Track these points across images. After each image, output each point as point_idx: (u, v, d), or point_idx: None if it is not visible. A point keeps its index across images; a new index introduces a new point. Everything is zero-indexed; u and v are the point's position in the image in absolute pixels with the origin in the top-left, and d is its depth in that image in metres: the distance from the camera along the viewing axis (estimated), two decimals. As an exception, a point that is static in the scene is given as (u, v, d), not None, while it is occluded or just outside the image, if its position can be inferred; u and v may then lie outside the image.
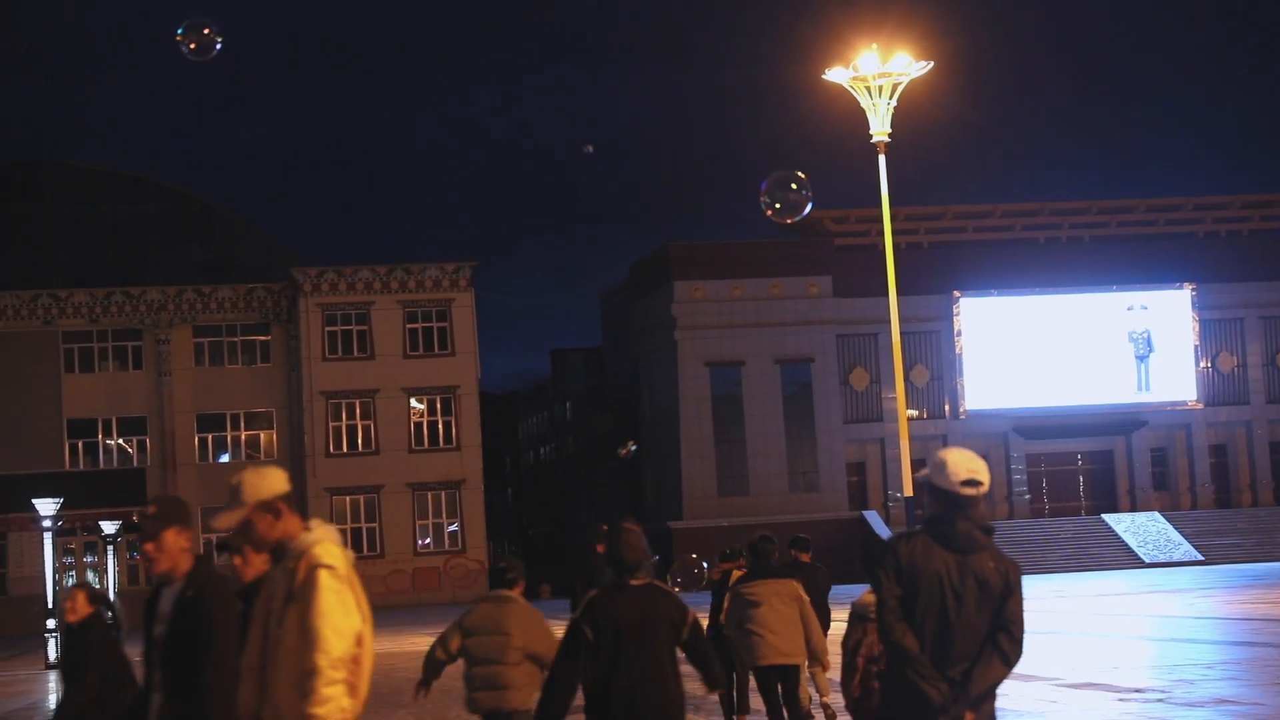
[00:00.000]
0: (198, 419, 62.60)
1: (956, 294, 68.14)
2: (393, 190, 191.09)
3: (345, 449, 62.33)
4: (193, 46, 19.37)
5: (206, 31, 19.48)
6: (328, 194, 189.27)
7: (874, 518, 64.86)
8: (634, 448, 45.30)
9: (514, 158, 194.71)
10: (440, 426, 63.19)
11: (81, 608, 10.15)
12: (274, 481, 6.17)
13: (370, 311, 62.79)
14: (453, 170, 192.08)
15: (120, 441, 62.36)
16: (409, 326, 63.13)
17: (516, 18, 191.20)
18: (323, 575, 5.83)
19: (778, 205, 20.06)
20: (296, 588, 5.86)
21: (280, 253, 64.60)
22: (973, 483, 6.25)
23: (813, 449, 66.65)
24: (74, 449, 61.78)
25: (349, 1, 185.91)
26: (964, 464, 6.27)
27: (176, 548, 6.79)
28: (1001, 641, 6.19)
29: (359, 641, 5.92)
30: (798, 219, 20.52)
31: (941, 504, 6.24)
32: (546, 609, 13.42)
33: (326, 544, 5.96)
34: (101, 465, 61.93)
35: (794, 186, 20.06)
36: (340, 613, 5.83)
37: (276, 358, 63.45)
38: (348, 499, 62.07)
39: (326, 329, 62.38)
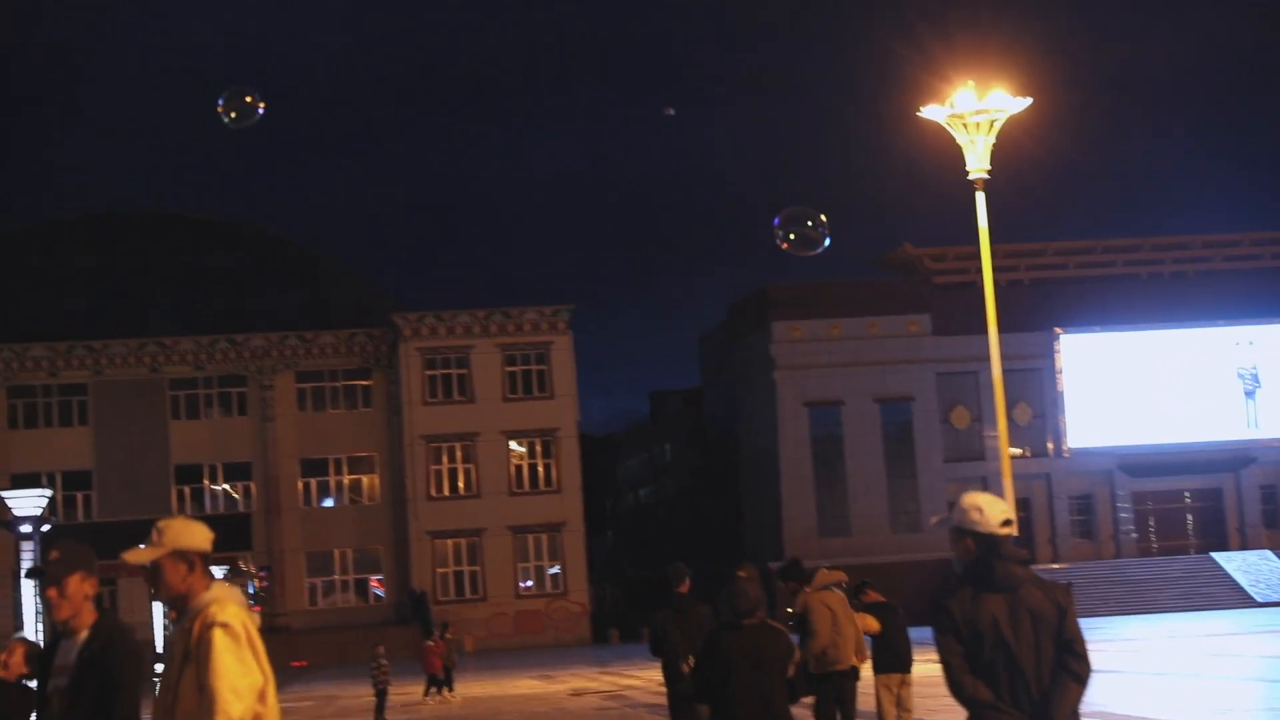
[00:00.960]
0: (301, 464, 63.23)
1: (1058, 331, 67.45)
2: (491, 234, 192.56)
3: (446, 492, 62.67)
4: (234, 115, 19.59)
5: (249, 99, 19.70)
6: (427, 238, 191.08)
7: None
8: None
9: (611, 199, 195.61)
10: (540, 469, 63.39)
11: (16, 665, 9.57)
12: (198, 535, 6.09)
13: (470, 355, 63.18)
14: (550, 212, 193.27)
15: (226, 487, 63.13)
16: (508, 369, 63.44)
17: (610, 58, 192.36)
18: (218, 634, 5.74)
19: (792, 237, 20.04)
20: (192, 647, 5.77)
21: (380, 298, 65.23)
22: (1008, 522, 6.43)
23: (914, 488, 66.13)
24: (181, 494, 62.62)
25: (445, 48, 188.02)
26: (998, 506, 6.45)
27: (80, 595, 6.51)
28: (1069, 663, 6.30)
29: (261, 698, 5.80)
30: (811, 255, 20.40)
31: (980, 546, 6.37)
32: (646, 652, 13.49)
33: (223, 602, 5.87)
34: (208, 510, 62.69)
35: (810, 223, 19.97)
36: (239, 672, 5.72)
37: (378, 402, 63.98)
38: (449, 542, 62.37)
39: (426, 373, 62.82)
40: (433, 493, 62.43)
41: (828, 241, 19.84)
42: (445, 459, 62.88)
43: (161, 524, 6.08)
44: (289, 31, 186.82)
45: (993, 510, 6.40)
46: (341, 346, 63.66)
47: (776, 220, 19.94)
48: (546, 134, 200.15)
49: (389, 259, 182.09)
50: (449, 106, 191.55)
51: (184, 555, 5.99)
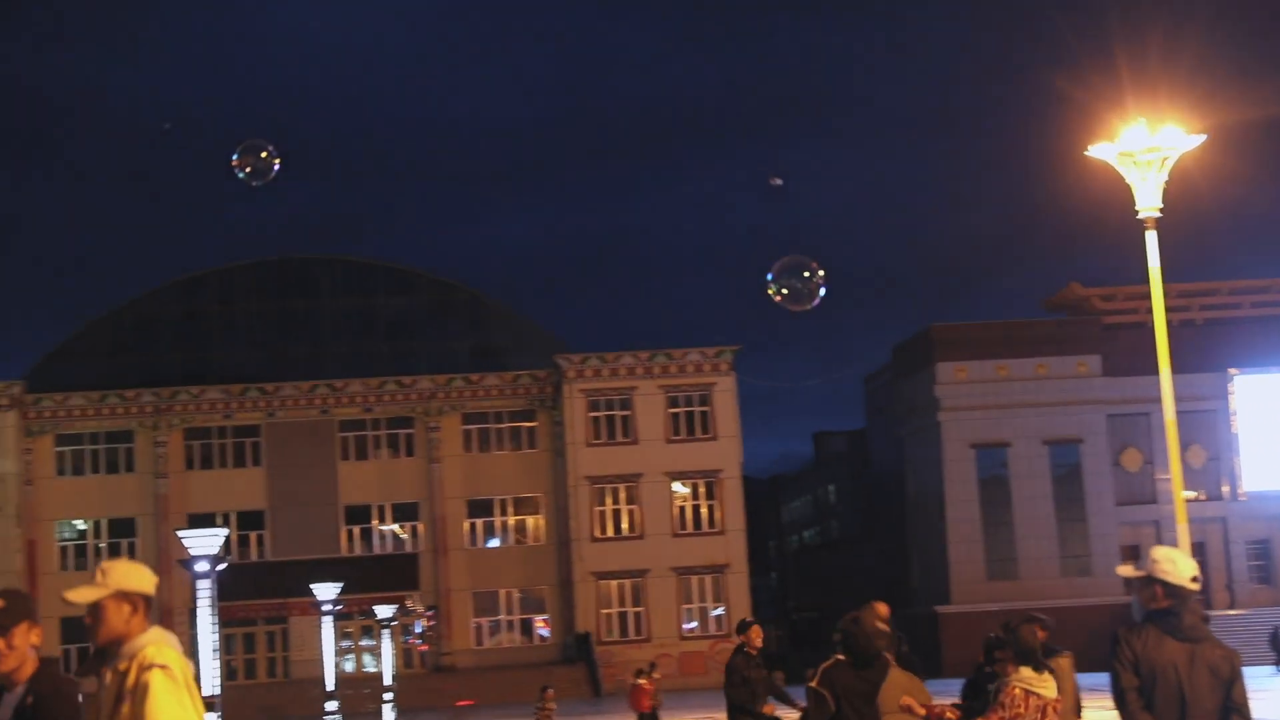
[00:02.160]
0: (467, 504, 63.90)
1: (1232, 372, 65.90)
2: (654, 275, 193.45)
3: (610, 533, 62.89)
4: (249, 170, 19.71)
5: (264, 154, 19.78)
6: (590, 280, 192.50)
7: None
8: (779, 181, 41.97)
9: (772, 239, 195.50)
10: (704, 510, 63.38)
11: None
12: (143, 577, 5.97)
13: (633, 397, 63.42)
14: (712, 253, 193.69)
15: (394, 527, 64.01)
16: (671, 411, 63.59)
17: (771, 97, 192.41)
18: (156, 675, 5.66)
19: (785, 292, 19.34)
20: (127, 689, 5.68)
21: (545, 340, 65.80)
22: (1196, 579, 6.90)
23: (1084, 532, 64.94)
24: (350, 534, 63.61)
25: (606, 94, 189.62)
26: (1188, 561, 6.93)
27: (26, 645, 6.27)
28: None
29: None
30: (804, 310, 19.66)
31: (1172, 597, 6.78)
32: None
33: (160, 645, 5.78)
34: (376, 550, 63.60)
35: (805, 274, 19.30)
36: (177, 715, 5.65)
37: (542, 443, 64.48)
38: (614, 583, 62.54)
39: (590, 414, 63.19)
40: (597, 534, 62.69)
41: (822, 292, 19.25)
42: (609, 500, 63.15)
43: (106, 565, 5.92)
44: (455, 78, 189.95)
45: (1184, 564, 6.87)
46: (507, 388, 64.30)
47: (770, 275, 19.39)
48: (712, 176, 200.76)
49: (554, 301, 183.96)
50: (616, 150, 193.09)
51: (128, 596, 5.86)
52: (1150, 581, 6.84)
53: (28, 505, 61.06)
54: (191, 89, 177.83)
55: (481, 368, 64.88)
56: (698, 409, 63.74)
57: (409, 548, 63.77)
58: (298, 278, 66.13)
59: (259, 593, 60.82)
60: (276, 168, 19.71)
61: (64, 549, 62.29)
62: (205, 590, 19.34)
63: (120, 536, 62.21)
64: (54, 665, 6.46)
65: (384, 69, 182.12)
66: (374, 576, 60.98)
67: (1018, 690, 8.22)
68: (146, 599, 5.92)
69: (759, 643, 16.01)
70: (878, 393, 76.30)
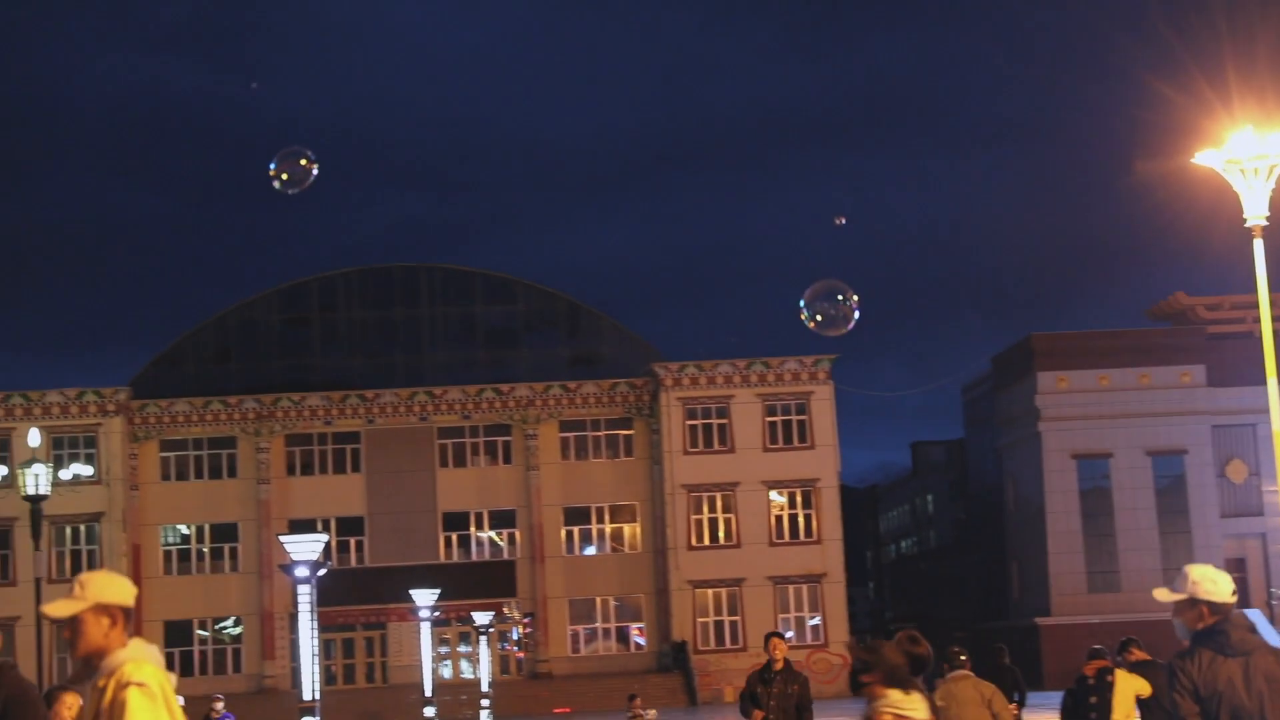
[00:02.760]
0: (564, 512, 64.08)
1: (1342, 381, 64.73)
2: (751, 283, 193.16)
3: (707, 542, 62.83)
4: (285, 177, 19.75)
5: (303, 162, 19.83)
6: (687, 288, 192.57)
7: (1257, 616, 61.67)
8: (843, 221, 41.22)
9: (871, 248, 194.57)
10: (801, 519, 63.14)
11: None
12: (122, 589, 5.88)
13: (730, 405, 63.34)
14: (810, 261, 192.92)
15: (491, 534, 64.31)
16: (768, 420, 63.43)
17: (867, 106, 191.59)
18: (133, 693, 5.59)
19: (819, 319, 19.22)
20: (104, 707, 5.63)
21: (642, 348, 65.87)
22: (1234, 592, 7.03)
23: (1188, 543, 63.98)
24: (448, 541, 63.98)
25: (704, 102, 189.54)
26: (1226, 578, 7.07)
27: None
28: None
29: None
30: (840, 334, 19.59)
31: (1217, 614, 6.87)
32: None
33: (139, 661, 5.71)
34: (474, 557, 63.93)
35: (839, 298, 19.16)
36: None
37: (639, 451, 64.55)
38: (709, 592, 62.47)
39: (687, 422, 63.17)
40: (693, 542, 62.65)
41: (856, 316, 19.14)
42: (706, 508, 63.08)
43: (84, 577, 5.87)
44: (555, 88, 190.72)
45: (1224, 582, 7.01)
46: (604, 396, 64.44)
47: (802, 301, 19.33)
48: (808, 185, 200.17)
49: (652, 309, 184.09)
50: (713, 159, 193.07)
51: (106, 609, 5.78)
52: (1194, 603, 6.91)
53: (133, 510, 61.99)
54: (300, 100, 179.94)
55: (579, 375, 65.07)
56: (795, 418, 63.53)
57: (506, 555, 64.05)
58: (399, 285, 66.65)
59: (358, 598, 61.35)
60: (314, 174, 19.88)
61: (168, 553, 63.18)
62: (306, 595, 19.53)
63: (222, 541, 63.02)
64: (15, 669, 6.44)
65: (485, 79, 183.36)
66: (471, 583, 61.29)
67: (887, 716, 7.42)
68: (126, 611, 5.83)
69: (778, 655, 15.96)
70: (976, 403, 75.66)
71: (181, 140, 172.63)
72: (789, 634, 62.32)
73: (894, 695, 7.32)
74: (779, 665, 15.99)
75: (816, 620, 62.47)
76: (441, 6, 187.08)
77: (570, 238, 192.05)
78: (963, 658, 13.39)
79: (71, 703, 9.28)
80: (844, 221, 46.10)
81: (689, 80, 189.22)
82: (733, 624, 62.33)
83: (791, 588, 62.64)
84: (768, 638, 16.37)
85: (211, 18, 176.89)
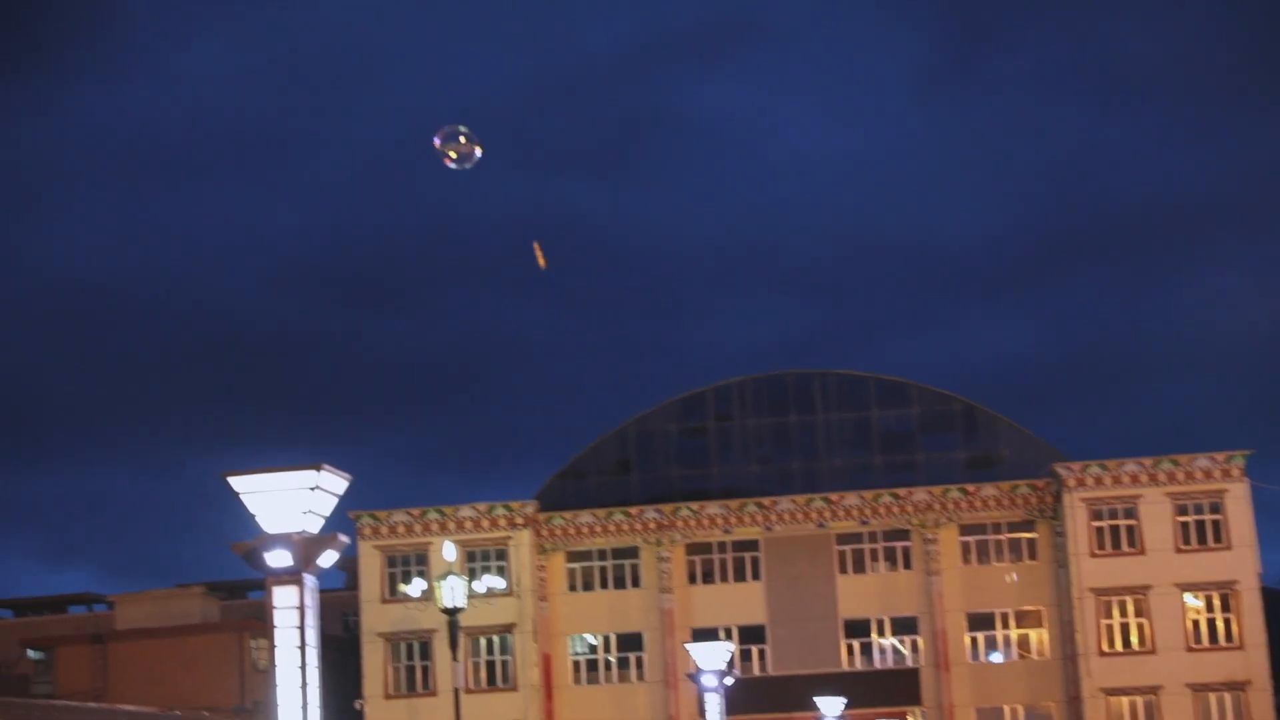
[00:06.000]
0: (967, 618, 62.86)
1: None
2: (1151, 379, 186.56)
3: (1119, 648, 60.57)
4: (453, 155, 19.84)
5: (463, 140, 19.93)
6: (1086, 385, 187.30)
7: None
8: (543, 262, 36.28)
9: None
10: (1219, 623, 60.31)
11: None
12: None
13: (1138, 505, 61.21)
14: (1214, 356, 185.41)
15: (894, 641, 63.55)
16: (1179, 519, 61.06)
17: (1274, 189, 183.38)
18: None
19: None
20: None
21: (1042, 448, 64.38)
22: None
23: None
24: (850, 649, 63.50)
25: (1092, 195, 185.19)
26: None
27: None
28: None
29: None
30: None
31: None
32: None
33: None
34: (876, 665, 63.24)
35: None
36: None
37: (1043, 554, 62.94)
38: (1124, 700, 60.12)
39: (1093, 524, 61.33)
40: (1104, 648, 60.49)
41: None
42: (1116, 613, 60.94)
43: None
44: (939, 190, 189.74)
45: None
46: (1004, 499, 63.19)
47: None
48: (1212, 277, 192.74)
49: (1049, 409, 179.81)
50: (1103, 253, 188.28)
51: None
52: None
53: (543, 620, 63.74)
54: (693, 211, 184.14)
55: (978, 478, 64.01)
56: (1208, 517, 60.98)
57: (910, 662, 63.14)
58: (793, 392, 67.04)
59: (762, 707, 61.39)
60: (478, 154, 20.26)
61: (576, 663, 64.62)
62: (714, 703, 19.68)
63: (628, 650, 64.12)
64: None
65: (872, 185, 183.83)
66: (875, 691, 60.64)
67: None
68: None
69: None
70: None
71: (577, 256, 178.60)
72: (1212, 745, 59.37)
73: None
74: None
75: (1241, 731, 59.31)
76: (826, 118, 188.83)
77: (962, 338, 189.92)
78: None
79: None
80: None
81: (1080, 172, 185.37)
82: (1150, 734, 59.76)
83: (1213, 696, 59.72)
84: None
85: (602, 136, 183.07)
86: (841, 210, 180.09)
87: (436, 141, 20.34)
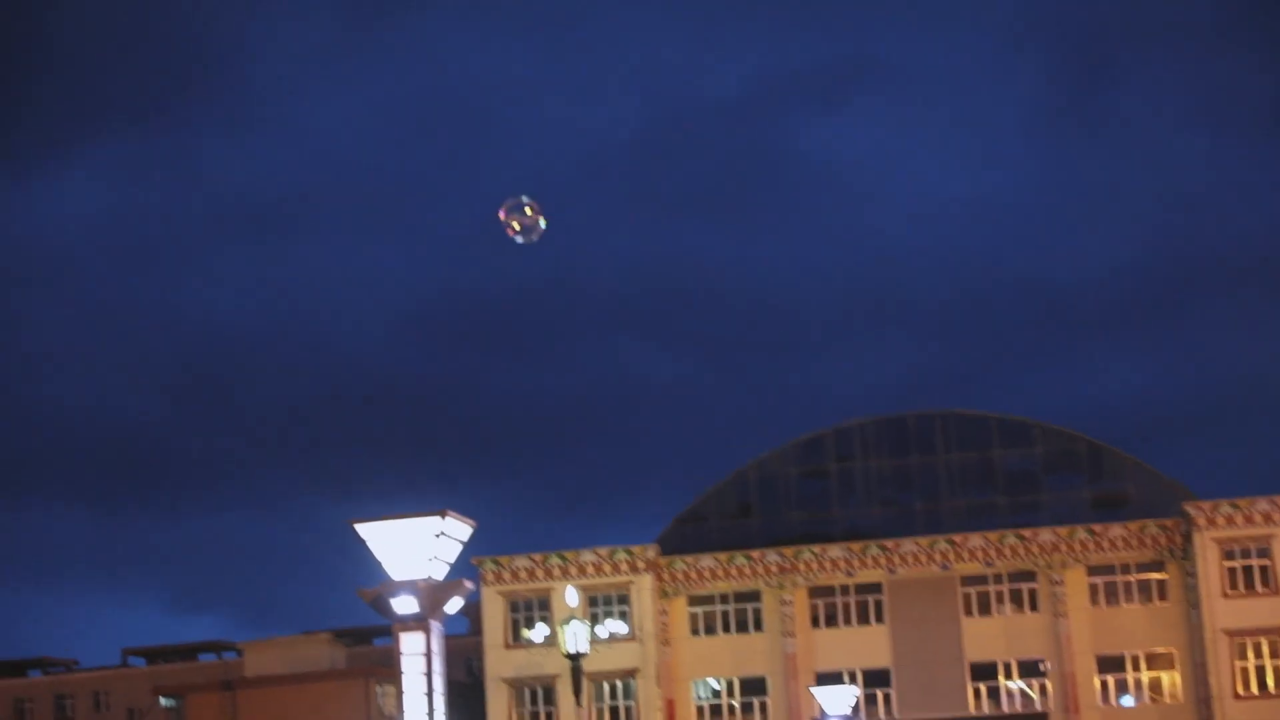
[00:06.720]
0: (1097, 660, 61.85)
1: None
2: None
3: (1255, 690, 59.25)
4: (516, 226, 19.73)
5: (528, 210, 19.80)
6: (1215, 422, 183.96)
7: None
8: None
9: None
10: (1359, 665, 58.86)
11: None
12: None
13: (1272, 544, 59.99)
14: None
15: (1021, 684, 62.64)
16: (1314, 559, 59.77)
17: None
18: None
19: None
20: None
21: (1170, 487, 63.28)
22: None
23: None
24: (977, 692, 62.68)
25: (1219, 226, 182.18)
26: None
27: None
28: None
29: None
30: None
31: None
32: None
33: None
34: (1004, 709, 62.33)
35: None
36: None
37: (1174, 595, 61.80)
38: (1261, 744, 58.80)
39: (1225, 564, 60.17)
40: (1239, 690, 59.20)
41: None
42: (1251, 654, 59.66)
43: None
44: (1058, 226, 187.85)
45: None
46: (1132, 539, 62.17)
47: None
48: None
49: (1177, 447, 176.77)
50: (1234, 285, 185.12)
51: None
52: None
53: (665, 665, 63.60)
54: (809, 254, 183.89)
55: (1104, 518, 63.03)
56: (1344, 555, 59.61)
57: (1038, 706, 62.17)
58: (914, 433, 66.52)
59: (888, 751, 60.71)
60: (542, 225, 20.20)
61: (700, 708, 64.35)
62: (840, 749, 19.52)
63: (752, 695, 63.75)
64: None
65: (992, 222, 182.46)
66: (1003, 735, 59.70)
67: None
68: None
69: None
70: None
71: (697, 299, 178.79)
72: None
73: None
74: None
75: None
76: (945, 157, 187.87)
77: (1085, 376, 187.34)
78: None
79: None
80: None
81: (1204, 205, 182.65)
82: (1290, 779, 58.32)
83: (1353, 739, 58.22)
84: None
85: (720, 179, 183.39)
86: (961, 248, 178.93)
87: (501, 213, 20.32)
